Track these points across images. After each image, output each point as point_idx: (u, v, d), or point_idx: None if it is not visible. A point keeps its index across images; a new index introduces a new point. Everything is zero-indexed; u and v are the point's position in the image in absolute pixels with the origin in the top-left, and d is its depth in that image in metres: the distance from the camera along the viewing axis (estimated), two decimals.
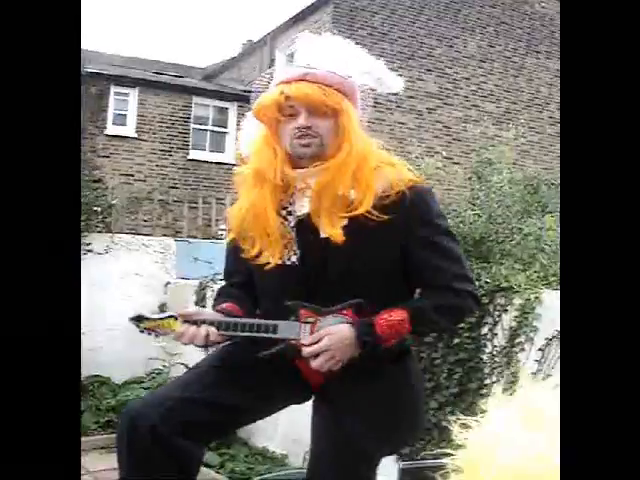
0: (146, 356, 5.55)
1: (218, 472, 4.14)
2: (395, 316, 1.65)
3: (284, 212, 1.72)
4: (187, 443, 1.61)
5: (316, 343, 1.63)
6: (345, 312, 1.67)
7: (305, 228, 1.70)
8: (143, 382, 5.49)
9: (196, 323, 1.69)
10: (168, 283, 6.07)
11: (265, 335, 1.67)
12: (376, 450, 1.70)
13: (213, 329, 1.68)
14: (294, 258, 1.70)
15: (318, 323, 1.66)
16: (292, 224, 1.71)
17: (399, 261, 1.71)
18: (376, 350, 1.64)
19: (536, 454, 0.69)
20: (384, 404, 1.70)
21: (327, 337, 1.63)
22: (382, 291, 1.69)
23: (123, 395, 5.14)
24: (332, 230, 1.65)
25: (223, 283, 1.96)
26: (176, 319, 1.69)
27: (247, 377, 1.72)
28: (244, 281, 1.85)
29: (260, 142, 1.75)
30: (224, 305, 1.77)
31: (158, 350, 5.51)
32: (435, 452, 0.81)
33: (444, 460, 0.88)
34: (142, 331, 1.70)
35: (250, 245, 1.74)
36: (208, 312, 1.78)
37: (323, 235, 1.67)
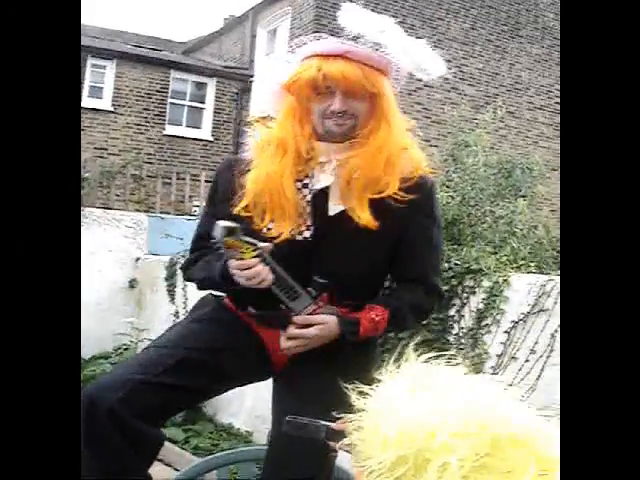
0: (114, 331, 5.50)
1: (183, 448, 4.11)
2: (377, 316, 1.64)
3: (299, 184, 1.64)
4: (146, 426, 1.57)
5: (305, 327, 1.60)
6: (342, 308, 1.64)
7: (317, 203, 1.64)
8: (110, 357, 5.44)
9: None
10: (139, 259, 6.00)
11: (284, 298, 1.59)
12: None
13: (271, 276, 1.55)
14: (307, 233, 1.62)
15: (319, 310, 1.62)
16: (308, 198, 1.64)
17: (392, 247, 1.68)
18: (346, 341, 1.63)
19: (419, 416, 0.86)
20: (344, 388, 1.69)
21: (316, 327, 1.60)
22: (369, 279, 1.70)
23: (89, 370, 5.08)
24: (362, 214, 1.60)
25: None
26: (254, 249, 1.51)
27: (209, 359, 1.65)
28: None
29: (286, 113, 1.66)
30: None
31: (126, 326, 5.46)
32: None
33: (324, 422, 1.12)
34: (220, 246, 1.51)
35: (260, 215, 1.63)
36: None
37: (332, 213, 1.63)
